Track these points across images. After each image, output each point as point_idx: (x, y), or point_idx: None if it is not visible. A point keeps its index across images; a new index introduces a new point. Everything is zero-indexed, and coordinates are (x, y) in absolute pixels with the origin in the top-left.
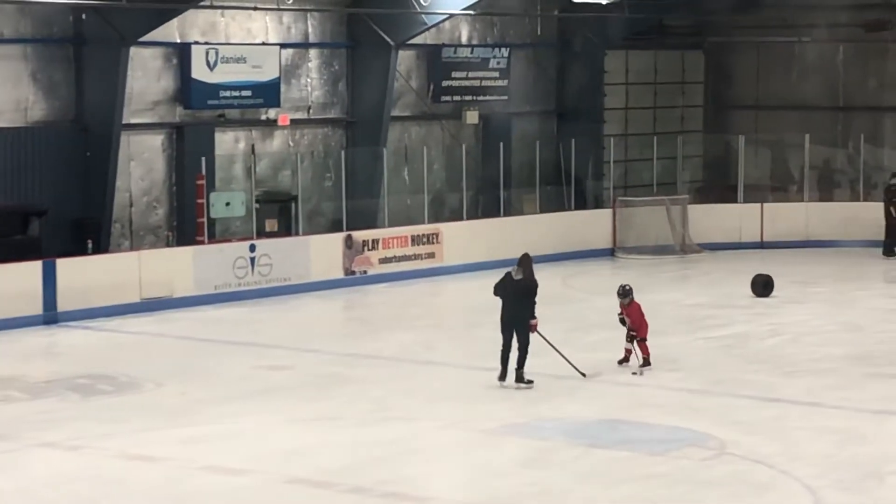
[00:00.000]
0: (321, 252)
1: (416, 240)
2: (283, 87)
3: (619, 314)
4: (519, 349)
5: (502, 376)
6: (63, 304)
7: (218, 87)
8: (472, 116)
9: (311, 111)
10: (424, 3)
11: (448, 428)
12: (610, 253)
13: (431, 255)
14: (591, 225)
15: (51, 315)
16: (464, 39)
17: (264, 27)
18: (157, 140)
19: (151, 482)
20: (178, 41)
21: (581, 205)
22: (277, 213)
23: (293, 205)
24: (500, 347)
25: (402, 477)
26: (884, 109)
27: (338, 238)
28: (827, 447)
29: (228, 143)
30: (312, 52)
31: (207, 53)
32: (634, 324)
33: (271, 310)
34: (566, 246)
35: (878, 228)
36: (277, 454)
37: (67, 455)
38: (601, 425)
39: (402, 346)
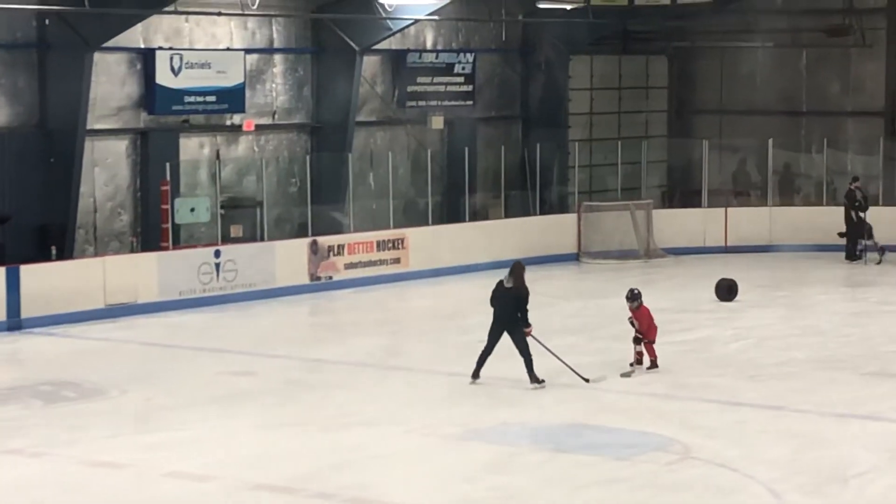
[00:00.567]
0: (286, 258)
1: (381, 245)
2: (247, 93)
3: (629, 317)
4: (521, 355)
5: (475, 374)
6: (27, 311)
7: (182, 93)
8: (437, 121)
9: (275, 116)
10: (389, 9)
11: (413, 433)
12: (575, 258)
13: (397, 261)
14: (556, 230)
15: (14, 321)
16: (429, 44)
17: (229, 32)
18: (121, 145)
19: (116, 488)
20: (143, 46)
21: (546, 210)
22: (242, 218)
23: (258, 210)
24: (482, 348)
25: (367, 482)
26: (846, 114)
27: (303, 243)
28: (790, 451)
29: (193, 148)
30: (277, 58)
31: (172, 59)
32: (643, 327)
33: (236, 315)
34: (531, 251)
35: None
36: (242, 460)
37: (31, 462)
38: (566, 430)
39: (368, 351)
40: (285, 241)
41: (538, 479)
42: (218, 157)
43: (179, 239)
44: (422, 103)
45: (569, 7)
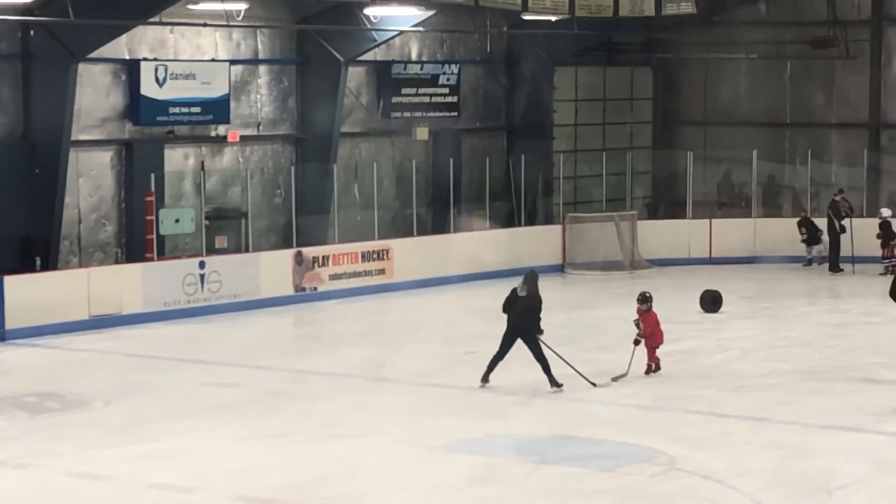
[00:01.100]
0: (271, 269)
1: (366, 256)
2: (232, 104)
3: (635, 319)
4: (537, 361)
5: (485, 378)
6: (11, 322)
7: (167, 104)
8: (422, 132)
9: (260, 127)
10: (374, 20)
11: (398, 444)
12: (559, 269)
13: (382, 272)
14: (541, 241)
15: None
16: (414, 56)
17: (214, 43)
18: (105, 156)
19: (99, 500)
20: (127, 57)
21: (531, 221)
22: (227, 229)
23: (243, 221)
24: (494, 353)
25: (352, 494)
26: (830, 126)
27: (288, 254)
28: (775, 462)
29: (178, 159)
30: (262, 69)
31: (156, 70)
32: (647, 331)
33: (221, 326)
34: (516, 262)
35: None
36: (226, 471)
37: (15, 473)
38: (551, 441)
39: (352, 362)
40: (270, 252)
41: (524, 490)
42: (203, 167)
43: (164, 250)
44: (407, 114)
45: (553, 19)
